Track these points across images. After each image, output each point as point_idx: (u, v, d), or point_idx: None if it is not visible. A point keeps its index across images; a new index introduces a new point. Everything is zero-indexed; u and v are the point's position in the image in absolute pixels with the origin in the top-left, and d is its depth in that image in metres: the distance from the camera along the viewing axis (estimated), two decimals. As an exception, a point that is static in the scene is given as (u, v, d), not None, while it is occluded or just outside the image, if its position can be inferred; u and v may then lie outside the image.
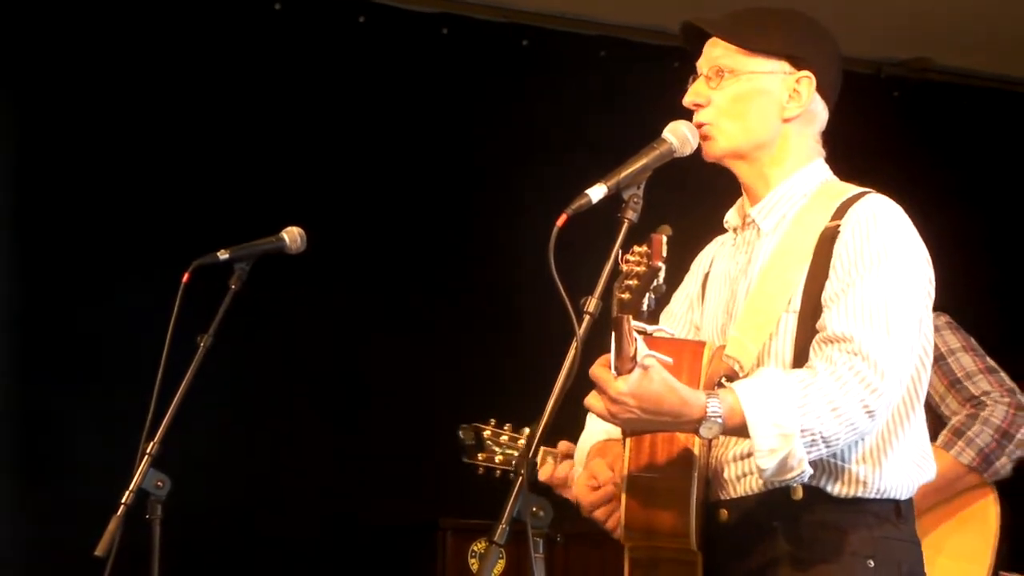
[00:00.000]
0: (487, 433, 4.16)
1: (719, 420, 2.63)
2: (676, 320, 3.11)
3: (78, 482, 5.10)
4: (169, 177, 5.50)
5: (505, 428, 4.16)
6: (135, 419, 3.95)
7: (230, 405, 5.34)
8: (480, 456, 4.14)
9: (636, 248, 2.52)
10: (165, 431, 3.51)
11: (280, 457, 5.54)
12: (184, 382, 3.55)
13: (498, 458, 4.12)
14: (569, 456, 4.11)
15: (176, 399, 3.54)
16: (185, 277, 3.61)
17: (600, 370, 2.59)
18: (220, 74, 5.62)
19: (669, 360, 2.62)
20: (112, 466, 4.74)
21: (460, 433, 4.16)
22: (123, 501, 3.44)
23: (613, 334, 2.52)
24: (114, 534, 3.39)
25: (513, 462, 4.08)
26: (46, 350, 5.33)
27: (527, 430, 4.15)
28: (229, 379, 5.00)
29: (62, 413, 5.25)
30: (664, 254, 2.50)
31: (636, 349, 2.54)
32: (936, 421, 4.21)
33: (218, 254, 3.70)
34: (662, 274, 2.51)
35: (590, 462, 2.99)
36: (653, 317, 2.60)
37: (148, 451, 3.49)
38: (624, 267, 2.53)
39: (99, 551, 3.38)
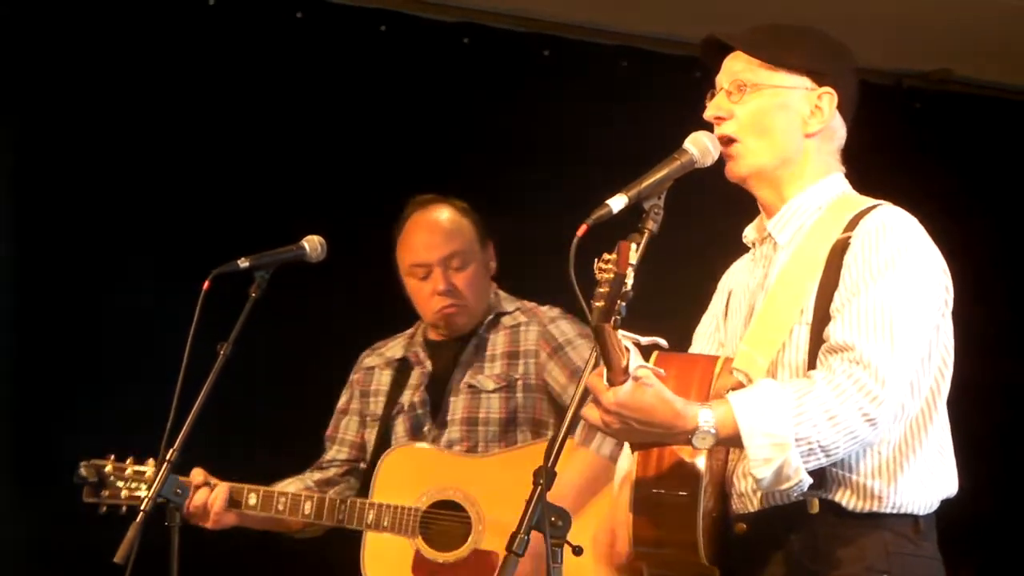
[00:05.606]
0: (108, 468, 4.02)
1: (711, 431, 2.62)
2: (703, 340, 3.11)
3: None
4: (178, 183, 5.49)
5: (128, 462, 4.02)
6: (136, 420, 3.95)
7: (247, 408, 5.34)
8: (104, 493, 4.00)
9: (606, 255, 2.50)
10: (185, 438, 3.50)
11: (299, 460, 5.53)
12: (204, 389, 3.55)
13: (123, 493, 3.98)
14: (205, 485, 3.99)
15: (196, 406, 3.53)
16: (205, 285, 3.58)
17: (595, 380, 2.59)
18: (239, 81, 5.62)
19: (661, 371, 2.60)
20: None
21: (81, 471, 4.00)
22: (143, 508, 3.43)
23: (596, 344, 2.51)
24: (133, 540, 3.37)
25: (140, 494, 3.90)
26: (46, 351, 5.33)
27: (152, 461, 3.99)
28: (244, 381, 4.99)
29: (62, 413, 5.25)
30: (632, 261, 2.48)
31: (628, 361, 2.53)
32: (560, 412, 4.06)
33: (238, 262, 3.69)
34: (630, 281, 2.47)
35: None
36: (627, 325, 2.53)
37: (168, 458, 3.48)
38: (598, 275, 2.50)
39: (118, 558, 3.36)
